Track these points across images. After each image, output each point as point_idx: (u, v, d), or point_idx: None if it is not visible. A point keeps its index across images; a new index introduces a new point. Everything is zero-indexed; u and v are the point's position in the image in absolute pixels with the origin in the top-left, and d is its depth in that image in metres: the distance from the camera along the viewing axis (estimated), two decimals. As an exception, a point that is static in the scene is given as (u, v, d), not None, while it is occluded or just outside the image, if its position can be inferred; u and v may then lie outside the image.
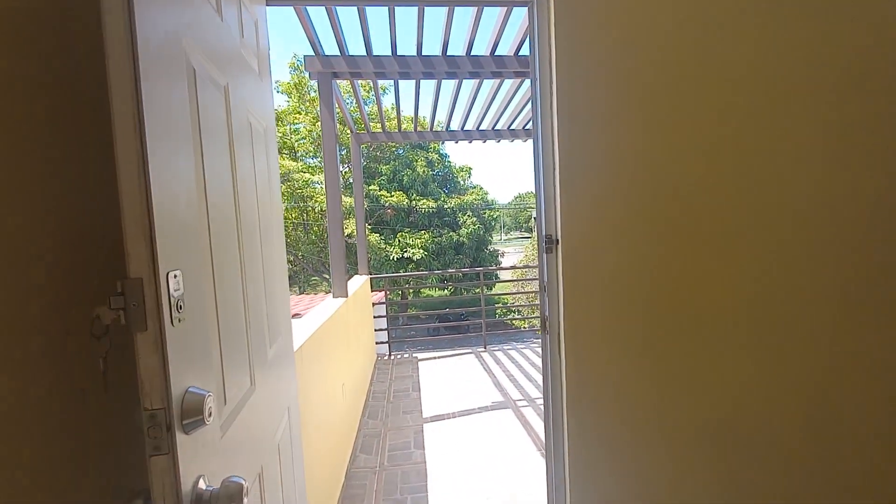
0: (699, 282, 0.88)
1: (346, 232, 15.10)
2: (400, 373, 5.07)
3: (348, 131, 5.17)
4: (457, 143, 5.56)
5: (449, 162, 19.71)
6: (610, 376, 1.30)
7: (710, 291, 0.84)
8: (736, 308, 0.78)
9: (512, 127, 5.20)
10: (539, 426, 3.46)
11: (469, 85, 4.19)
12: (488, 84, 4.31)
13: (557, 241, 1.63)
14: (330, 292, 4.28)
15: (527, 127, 5.14)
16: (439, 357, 5.60)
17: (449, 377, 4.80)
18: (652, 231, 1.04)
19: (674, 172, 0.94)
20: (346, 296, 3.43)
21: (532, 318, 10.76)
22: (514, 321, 10.34)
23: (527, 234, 64.66)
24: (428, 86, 4.29)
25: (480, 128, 5.16)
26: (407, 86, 4.67)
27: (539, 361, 5.11)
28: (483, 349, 5.86)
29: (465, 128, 5.14)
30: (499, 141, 5.68)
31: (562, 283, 1.62)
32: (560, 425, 1.74)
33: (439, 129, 5.27)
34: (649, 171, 1.03)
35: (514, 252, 30.81)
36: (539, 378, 4.57)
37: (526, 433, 3.38)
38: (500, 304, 13.43)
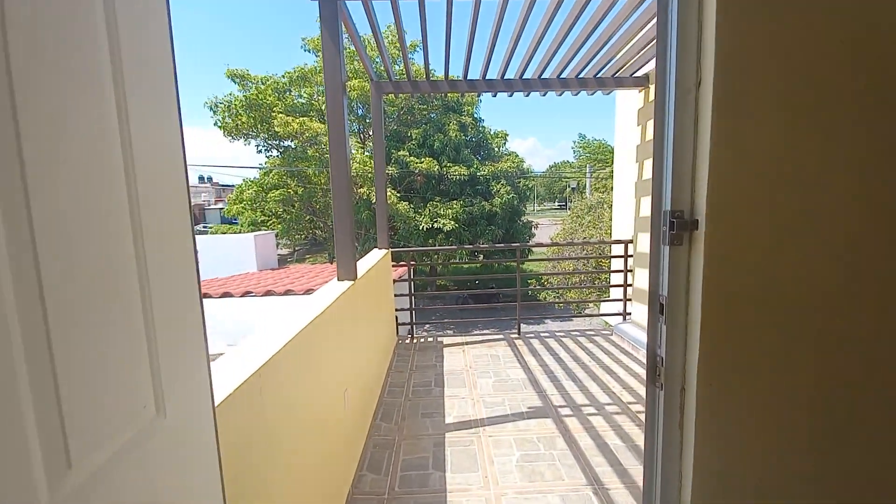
0: None
1: (364, 198, 14.51)
2: (422, 360, 4.47)
3: (368, 82, 4.40)
4: (495, 95, 4.70)
5: (483, 127, 18.60)
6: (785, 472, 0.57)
7: None
8: None
9: (564, 75, 4.28)
10: (590, 449, 2.78)
11: (511, 23, 3.34)
12: (536, 19, 3.43)
13: (694, 224, 0.87)
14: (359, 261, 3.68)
15: (599, 74, 4.21)
16: (467, 343, 4.96)
17: (478, 370, 4.16)
18: None
19: None
20: (355, 278, 2.78)
21: (568, 294, 9.97)
22: (548, 298, 9.60)
23: (561, 205, 62.57)
24: (462, 23, 3.46)
25: (525, 76, 4.28)
26: (436, 30, 3.84)
27: (584, 357, 4.38)
28: (517, 335, 5.18)
29: (507, 76, 4.27)
30: (544, 94, 4.77)
31: (699, 295, 0.87)
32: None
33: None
34: None
35: (548, 224, 29.58)
36: (585, 380, 3.86)
37: (572, 456, 2.70)
38: (534, 281, 12.64)
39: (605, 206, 11.26)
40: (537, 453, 2.75)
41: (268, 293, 5.42)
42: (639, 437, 2.88)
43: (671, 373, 0.94)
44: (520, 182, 18.13)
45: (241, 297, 5.34)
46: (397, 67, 15.90)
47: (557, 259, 7.58)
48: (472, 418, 3.23)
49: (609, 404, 3.37)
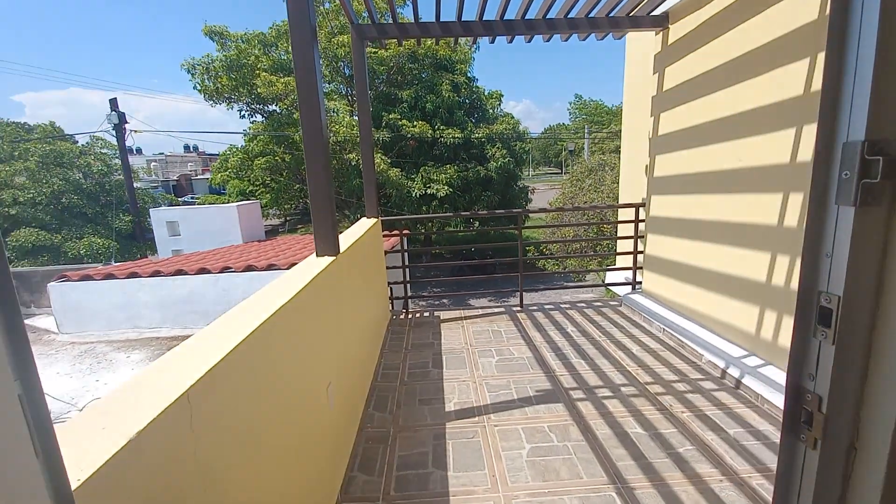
0: None
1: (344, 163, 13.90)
2: (418, 338, 4.14)
3: (340, 15, 3.84)
4: (493, 41, 4.15)
5: (477, 87, 17.71)
6: None
7: None
8: None
9: (572, 14, 3.73)
10: (608, 439, 2.47)
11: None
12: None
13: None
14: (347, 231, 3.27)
15: (612, 13, 3.64)
16: (466, 318, 4.63)
17: (479, 347, 3.83)
18: None
19: None
20: (337, 253, 2.37)
21: (570, 262, 9.63)
22: (551, 267, 9.27)
23: (556, 170, 61.54)
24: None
25: (527, 17, 3.73)
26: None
27: (593, 331, 4.06)
28: (519, 307, 4.84)
29: (507, 17, 3.72)
30: (548, 38, 4.23)
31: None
32: None
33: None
34: None
35: (545, 189, 28.98)
36: (597, 357, 3.54)
37: (589, 448, 2.40)
38: (532, 249, 12.29)
39: (606, 168, 10.78)
40: (550, 445, 2.44)
41: (248, 268, 5.01)
42: (662, 424, 2.58)
43: (835, 422, 0.56)
44: (516, 145, 17.45)
45: (218, 273, 4.93)
46: (385, 21, 14.92)
47: (560, 226, 7.20)
48: (474, 405, 2.92)
49: (625, 385, 3.06)
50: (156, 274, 4.98)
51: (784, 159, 2.62)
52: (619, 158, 12.19)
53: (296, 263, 5.36)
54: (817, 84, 2.38)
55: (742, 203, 3.03)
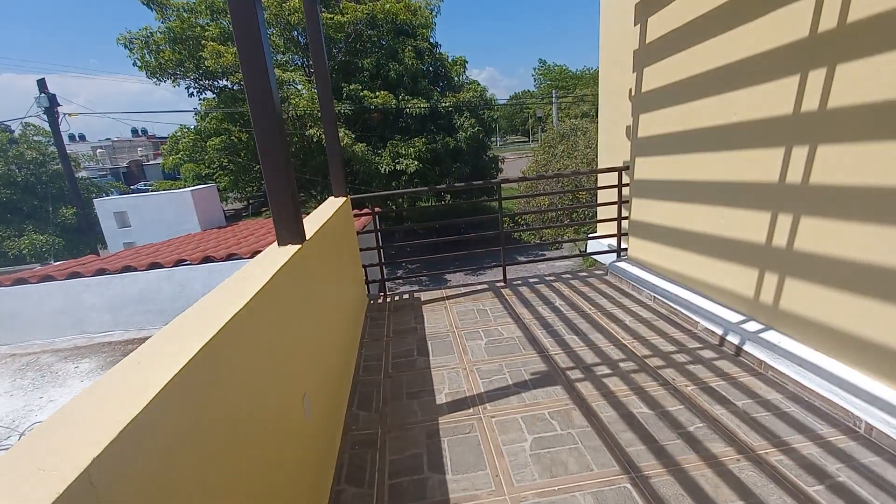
0: None
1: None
2: (399, 323, 3.87)
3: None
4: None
5: (440, 53, 17.02)
6: None
7: None
8: None
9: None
10: (614, 422, 2.30)
11: None
12: None
13: None
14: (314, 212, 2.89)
15: None
16: (448, 298, 4.38)
17: (465, 329, 3.61)
18: None
19: None
20: (303, 240, 2.04)
21: (548, 232, 9.49)
22: (529, 238, 9.12)
23: (524, 138, 61.16)
24: None
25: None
26: None
27: (583, 304, 3.89)
28: (503, 282, 4.63)
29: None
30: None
31: None
32: None
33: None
34: None
35: (514, 158, 28.71)
36: (590, 332, 3.38)
37: (596, 435, 2.22)
38: (508, 220, 12.11)
39: (578, 133, 10.58)
40: (554, 435, 2.26)
41: (206, 259, 4.56)
42: (667, 401, 2.44)
43: None
44: (484, 113, 17.01)
45: (172, 266, 4.47)
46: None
47: (540, 195, 7.00)
48: (467, 394, 2.70)
49: (623, 361, 2.91)
50: (101, 272, 4.46)
51: (786, 110, 2.42)
52: (590, 123, 12.02)
53: (259, 251, 4.95)
54: (826, 23, 2.16)
55: (738, 160, 2.85)
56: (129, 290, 4.43)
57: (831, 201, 2.25)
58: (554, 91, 29.16)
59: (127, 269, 4.45)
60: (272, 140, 1.83)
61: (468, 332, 3.58)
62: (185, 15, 14.21)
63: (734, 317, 2.99)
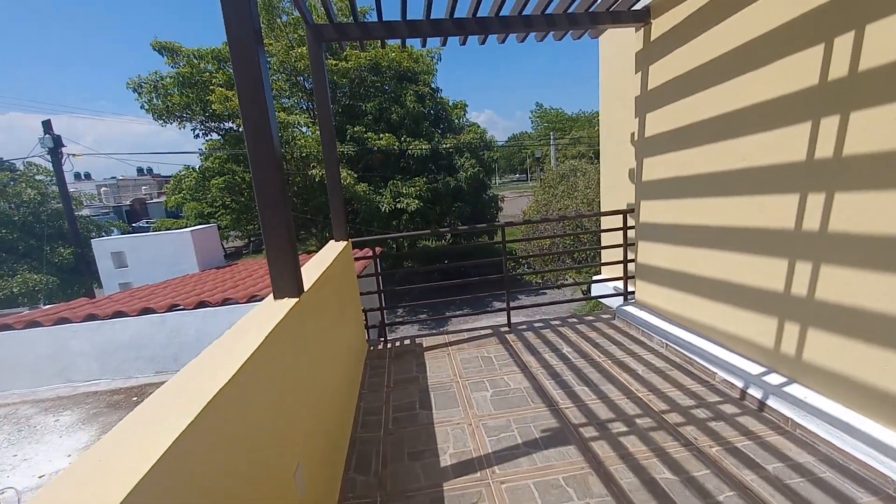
0: None
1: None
2: (400, 372, 3.69)
3: (299, 28, 3.42)
4: (464, 42, 3.82)
5: (441, 98, 17.53)
6: None
7: None
8: None
9: (551, 10, 3.45)
10: (636, 490, 2.10)
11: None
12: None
13: None
14: (316, 250, 2.77)
15: (592, 8, 3.33)
16: (451, 344, 4.22)
17: (469, 379, 3.43)
18: None
19: None
20: (300, 293, 1.92)
21: (553, 273, 9.37)
22: (533, 279, 9.00)
23: (522, 177, 62.30)
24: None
25: (502, 14, 3.42)
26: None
27: (591, 350, 3.72)
28: (507, 327, 4.48)
29: (479, 14, 3.40)
30: (523, 38, 3.95)
31: None
32: None
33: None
34: None
35: (513, 196, 29.08)
36: (601, 382, 3.20)
37: (617, 505, 2.02)
38: (512, 261, 12.04)
39: (577, 174, 10.69)
40: (571, 505, 2.05)
41: (200, 304, 4.42)
42: (692, 464, 2.24)
43: None
44: (484, 154, 17.32)
45: (165, 312, 4.31)
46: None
47: (545, 237, 6.91)
48: (474, 455, 2.50)
49: (639, 416, 2.72)
50: (91, 317, 4.31)
51: (800, 157, 2.38)
52: (589, 164, 12.17)
53: (256, 295, 4.82)
54: (836, 72, 2.14)
55: (749, 205, 2.78)
56: (120, 337, 4.25)
57: (854, 250, 2.16)
58: (552, 133, 29.89)
59: (118, 314, 4.30)
60: (272, 192, 1.75)
61: (472, 381, 3.40)
62: (194, 61, 14.72)
63: (754, 368, 2.83)
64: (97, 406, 3.77)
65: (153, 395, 1.05)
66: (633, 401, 2.91)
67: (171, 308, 4.38)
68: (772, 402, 2.60)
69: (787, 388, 2.57)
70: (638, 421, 2.67)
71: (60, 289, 12.57)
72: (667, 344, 3.59)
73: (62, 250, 13.15)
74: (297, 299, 1.87)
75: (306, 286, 2.03)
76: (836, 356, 2.33)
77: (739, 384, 2.84)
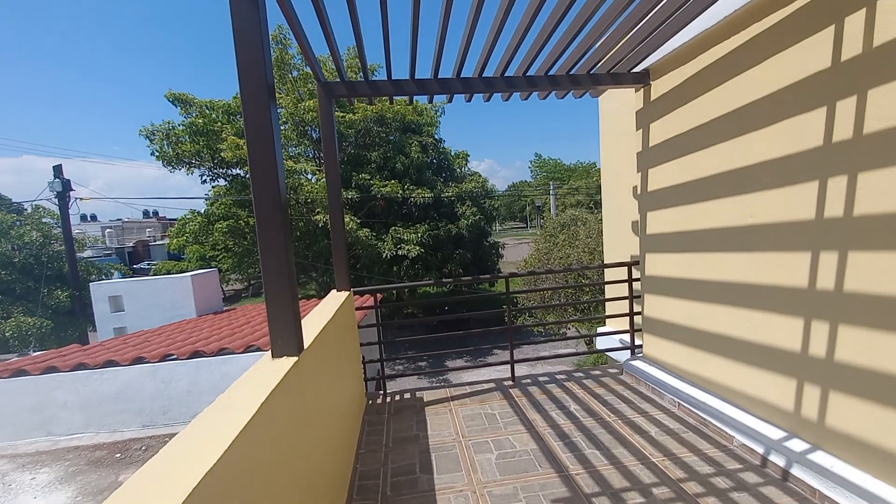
0: None
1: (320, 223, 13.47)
2: (399, 430, 3.51)
3: (309, 83, 3.54)
4: (469, 99, 3.96)
5: (444, 148, 18.06)
6: None
7: None
8: None
9: (554, 71, 3.58)
10: (657, 573, 1.92)
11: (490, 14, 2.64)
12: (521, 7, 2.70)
13: None
14: (316, 295, 2.72)
15: (593, 70, 3.46)
16: (453, 398, 4.04)
17: (473, 439, 3.25)
18: None
19: None
20: (299, 351, 1.84)
21: (556, 323, 9.24)
22: (537, 330, 8.83)
23: (522, 224, 63.12)
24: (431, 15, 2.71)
25: (506, 74, 3.55)
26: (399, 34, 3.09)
27: (599, 409, 3.56)
28: (511, 381, 4.31)
29: (485, 74, 3.53)
30: (526, 97, 4.09)
31: None
32: None
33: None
34: None
35: (514, 243, 29.29)
36: (612, 445, 3.03)
37: (638, 593, 1.83)
38: (514, 308, 11.91)
39: (578, 223, 10.79)
40: (585, 592, 1.86)
41: (195, 354, 4.28)
42: (716, 544, 2.06)
43: None
44: (485, 202, 17.60)
45: (157, 361, 4.16)
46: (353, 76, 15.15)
47: (545, 289, 6.87)
48: (478, 528, 2.31)
49: (656, 485, 2.55)
50: (80, 366, 4.16)
51: (808, 215, 2.37)
52: (588, 213, 12.33)
53: (253, 344, 4.69)
54: (840, 134, 2.18)
55: (759, 262, 2.74)
56: (108, 388, 4.08)
57: (872, 312, 2.09)
58: (552, 183, 30.58)
59: (109, 363, 4.16)
60: (274, 231, 1.72)
61: (476, 441, 3.22)
62: (207, 112, 15.29)
63: (774, 432, 2.68)
64: (77, 463, 3.55)
65: (131, 478, 0.96)
66: (648, 467, 2.73)
67: (165, 357, 4.23)
68: (796, 471, 2.44)
69: (811, 456, 2.42)
70: (654, 490, 2.50)
71: (54, 332, 12.35)
72: (679, 403, 3.43)
73: (59, 293, 13.04)
74: (296, 358, 1.79)
75: (306, 343, 1.95)
76: (863, 422, 2.20)
77: (760, 450, 2.68)
